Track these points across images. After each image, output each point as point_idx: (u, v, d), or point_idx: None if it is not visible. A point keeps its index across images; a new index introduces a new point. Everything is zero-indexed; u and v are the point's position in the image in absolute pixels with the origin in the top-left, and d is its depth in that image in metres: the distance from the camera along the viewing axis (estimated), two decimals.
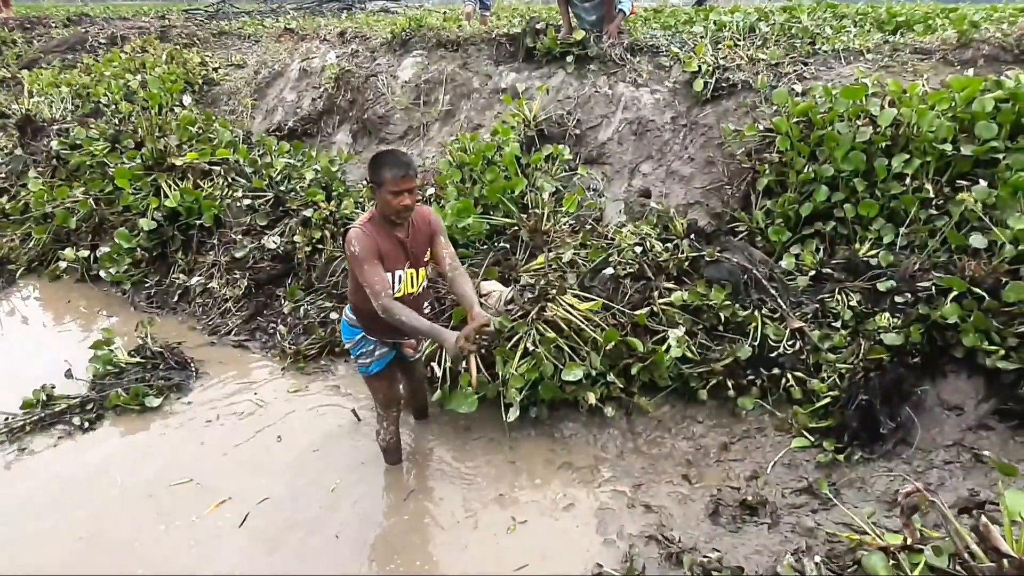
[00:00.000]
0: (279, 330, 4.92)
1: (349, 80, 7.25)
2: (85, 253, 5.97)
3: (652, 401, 3.89)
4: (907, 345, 3.58)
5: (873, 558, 2.38)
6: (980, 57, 4.78)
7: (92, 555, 3.07)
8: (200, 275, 5.52)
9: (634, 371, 3.84)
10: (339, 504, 3.39)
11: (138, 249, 5.70)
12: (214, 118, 6.91)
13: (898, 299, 3.74)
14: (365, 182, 3.06)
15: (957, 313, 3.48)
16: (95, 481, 3.55)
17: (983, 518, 1.92)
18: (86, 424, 4.02)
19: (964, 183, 4.00)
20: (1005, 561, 1.84)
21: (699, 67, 5.39)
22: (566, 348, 3.81)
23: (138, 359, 4.56)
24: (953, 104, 4.16)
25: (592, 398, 3.73)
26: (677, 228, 4.54)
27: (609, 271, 4.21)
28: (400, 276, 3.05)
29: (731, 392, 3.81)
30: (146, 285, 5.69)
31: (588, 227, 4.89)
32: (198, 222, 5.65)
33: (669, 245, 4.36)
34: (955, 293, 3.55)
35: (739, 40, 5.82)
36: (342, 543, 3.15)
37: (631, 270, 4.20)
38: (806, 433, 3.59)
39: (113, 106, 7.55)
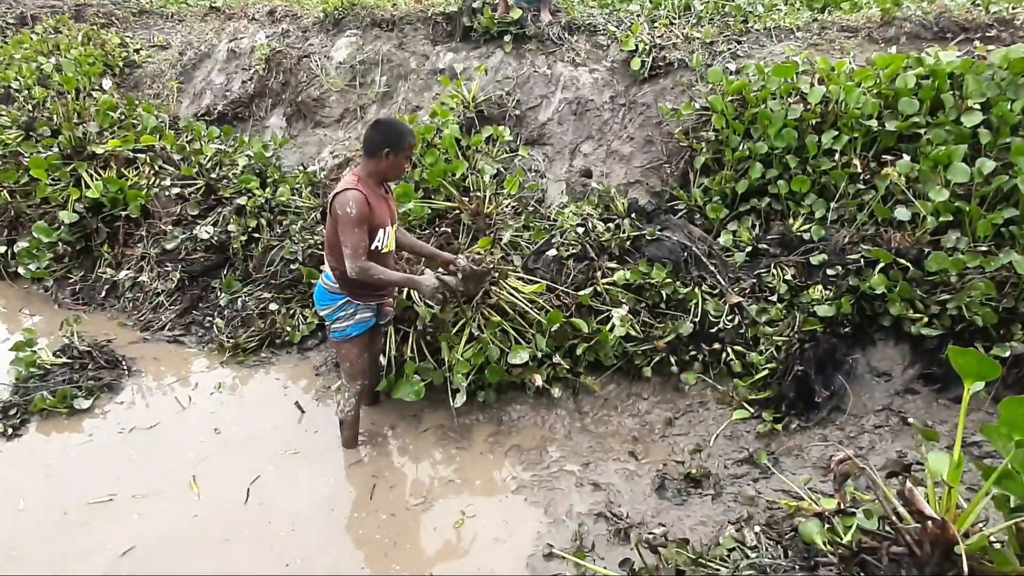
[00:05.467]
0: (216, 323, 4.74)
1: (281, 61, 6.97)
2: (1, 249, 5.60)
3: (598, 380, 3.93)
4: (839, 316, 3.73)
5: (809, 524, 2.48)
6: (903, 35, 4.94)
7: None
8: (129, 268, 5.27)
9: (579, 351, 3.87)
10: (289, 494, 3.32)
11: (59, 243, 5.38)
12: (137, 103, 6.54)
13: (830, 272, 3.88)
14: (370, 150, 3.11)
15: (884, 283, 3.63)
16: (28, 491, 3.38)
17: (907, 483, 2.02)
18: (10, 431, 3.81)
19: (889, 158, 4.16)
20: (929, 522, 1.94)
21: (636, 46, 5.41)
22: (511, 331, 3.81)
23: (64, 359, 4.33)
24: (878, 81, 4.30)
25: (539, 380, 3.74)
26: (618, 207, 4.57)
27: (552, 252, 4.22)
28: (388, 232, 3.25)
29: (674, 368, 3.89)
30: (70, 281, 5.39)
31: (530, 209, 4.88)
32: (124, 213, 5.37)
33: (611, 225, 4.39)
34: (882, 264, 3.70)
35: (675, 18, 5.85)
36: (298, 535, 3.10)
37: (574, 251, 4.22)
38: (746, 405, 3.71)
39: (26, 91, 7.04)
